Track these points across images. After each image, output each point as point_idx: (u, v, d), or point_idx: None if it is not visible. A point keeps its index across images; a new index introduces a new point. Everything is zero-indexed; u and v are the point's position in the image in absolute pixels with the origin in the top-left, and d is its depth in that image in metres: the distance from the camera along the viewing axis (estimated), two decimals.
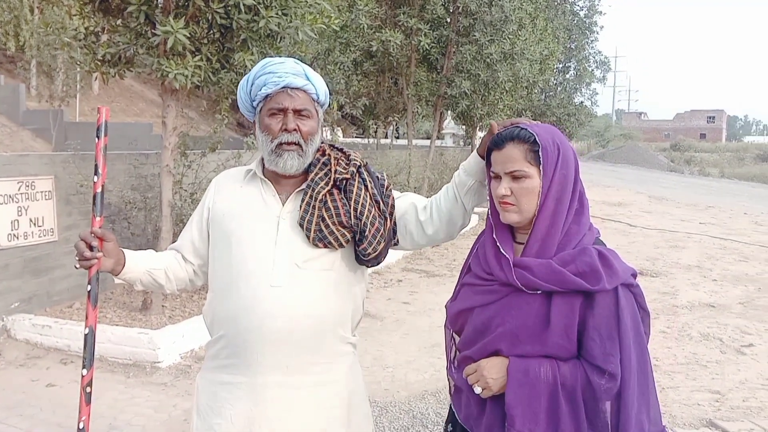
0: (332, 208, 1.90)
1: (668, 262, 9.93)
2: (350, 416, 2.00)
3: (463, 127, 18.83)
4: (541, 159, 1.65)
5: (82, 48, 5.36)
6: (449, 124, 23.31)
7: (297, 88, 1.93)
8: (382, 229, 1.93)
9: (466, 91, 9.55)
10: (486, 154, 1.77)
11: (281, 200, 1.96)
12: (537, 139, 1.65)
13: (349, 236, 1.91)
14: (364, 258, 1.94)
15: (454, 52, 9.82)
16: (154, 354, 4.97)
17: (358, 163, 2.00)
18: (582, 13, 16.67)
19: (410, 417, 4.27)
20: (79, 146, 6.62)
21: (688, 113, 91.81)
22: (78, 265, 1.83)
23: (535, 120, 1.83)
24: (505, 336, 1.65)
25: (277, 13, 5.03)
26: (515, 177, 1.67)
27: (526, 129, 1.68)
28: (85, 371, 1.87)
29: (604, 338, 1.57)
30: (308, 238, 1.89)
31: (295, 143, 1.92)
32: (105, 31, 5.48)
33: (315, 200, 1.91)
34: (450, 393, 1.92)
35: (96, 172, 1.87)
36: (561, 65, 16.37)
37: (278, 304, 1.86)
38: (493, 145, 1.72)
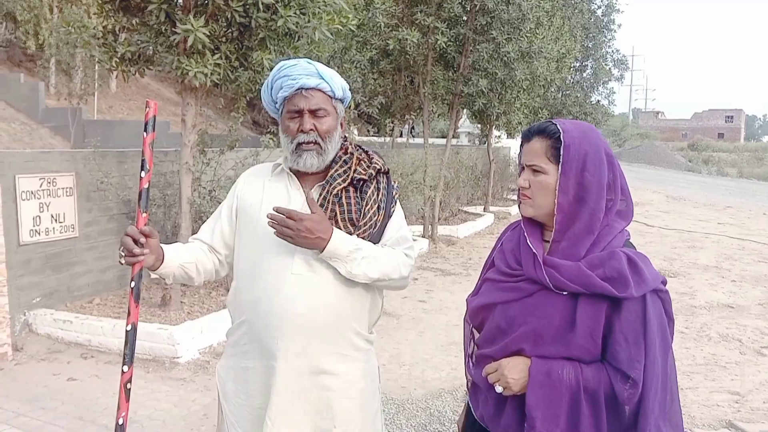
0: (345, 205, 2.00)
1: (686, 263, 9.85)
2: (361, 411, 2.04)
3: (479, 126, 18.81)
4: (561, 156, 1.63)
5: (101, 46, 5.41)
6: (464, 123, 23.24)
7: (311, 88, 1.99)
8: (370, 237, 2.01)
9: (483, 89, 9.52)
10: (520, 145, 1.80)
11: (304, 194, 2.03)
12: (561, 135, 1.64)
13: (352, 232, 1.99)
14: None
15: (471, 50, 9.78)
16: (173, 349, 5.02)
17: (379, 167, 2.09)
18: (599, 12, 16.55)
19: (427, 414, 4.28)
20: (99, 143, 6.68)
21: (706, 112, 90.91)
22: (123, 261, 1.85)
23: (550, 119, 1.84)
24: (528, 336, 1.63)
25: (295, 12, 5.05)
26: (534, 171, 1.67)
27: (555, 124, 1.67)
28: (125, 368, 1.89)
29: (631, 343, 1.55)
30: None
31: (313, 142, 2.00)
32: (124, 30, 5.53)
33: (330, 194, 2.00)
34: (467, 389, 1.93)
35: (143, 168, 1.88)
36: (578, 64, 16.26)
37: (298, 291, 1.94)
38: (524, 137, 1.73)
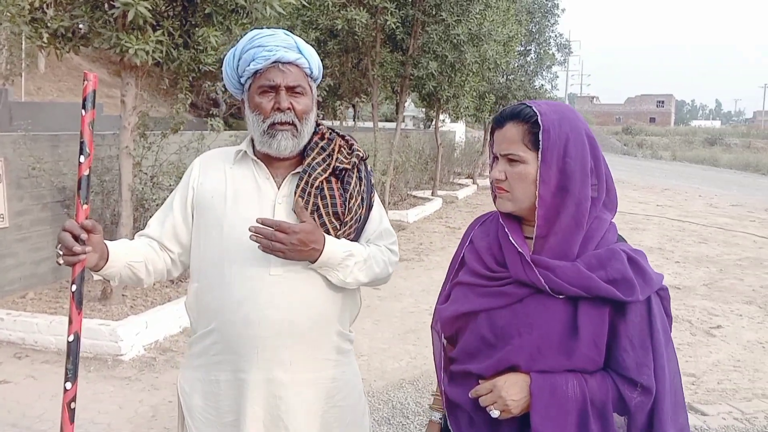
0: (328, 197, 1.79)
1: (631, 244, 10.02)
2: (349, 415, 1.88)
3: (423, 110, 18.75)
4: (540, 142, 1.45)
5: (29, 22, 4.97)
6: (409, 107, 23.18)
7: (289, 63, 1.77)
8: (355, 231, 1.83)
9: (433, 72, 9.39)
10: (490, 132, 1.60)
11: (276, 183, 1.82)
12: (539, 119, 1.45)
13: (339, 228, 1.79)
14: None
15: (420, 32, 9.63)
16: (117, 346, 4.71)
17: (361, 155, 1.88)
18: None
19: (390, 407, 4.14)
20: (29, 127, 6.22)
21: (638, 98, 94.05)
22: (62, 261, 1.58)
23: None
24: (524, 349, 1.44)
25: None
26: (510, 160, 1.49)
27: (530, 107, 1.49)
28: (69, 385, 1.61)
29: (638, 348, 1.41)
30: None
31: (289, 123, 1.77)
32: (54, 5, 5.11)
33: (311, 187, 1.78)
34: (440, 406, 1.68)
35: (82, 151, 1.58)
36: (522, 48, 16.33)
37: (278, 293, 1.73)
38: (495, 123, 1.54)
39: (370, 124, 12.85)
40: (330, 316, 1.80)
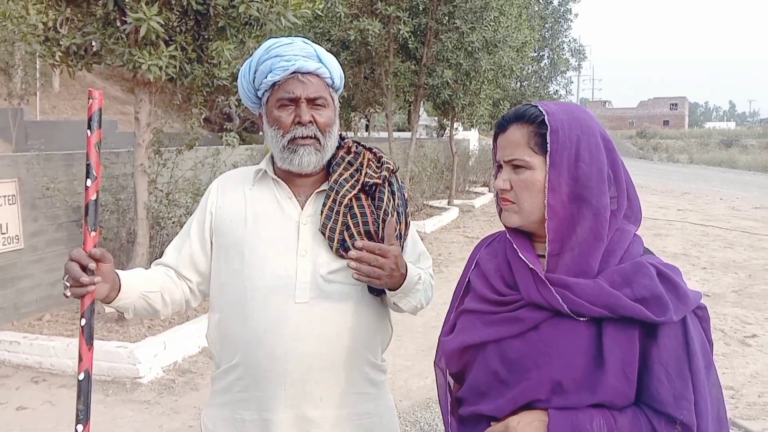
0: (359, 215, 1.65)
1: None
2: None
3: (436, 118, 18.64)
4: (548, 145, 1.28)
5: (42, 42, 4.90)
6: (422, 115, 23.10)
7: (309, 73, 1.64)
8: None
9: (448, 80, 9.28)
10: (493, 138, 1.42)
11: (299, 203, 1.68)
12: (546, 119, 1.29)
13: None
14: (375, 285, 1.64)
15: (433, 41, 9.53)
16: (135, 369, 4.59)
17: (391, 167, 1.73)
18: (556, 1, 16.52)
19: (417, 429, 3.98)
20: (43, 146, 6.17)
21: (651, 101, 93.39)
22: (69, 293, 1.45)
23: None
24: (543, 383, 1.24)
25: None
26: (515, 167, 1.31)
27: (536, 107, 1.32)
28: (80, 427, 1.47)
29: (674, 378, 1.21)
30: (331, 247, 1.62)
31: (311, 137, 1.64)
32: (66, 23, 5.05)
33: (340, 205, 1.64)
34: None
35: (89, 175, 1.45)
36: (535, 53, 16.20)
37: (305, 324, 1.59)
38: (498, 127, 1.37)
39: (383, 135, 12.75)
40: (361, 346, 1.66)
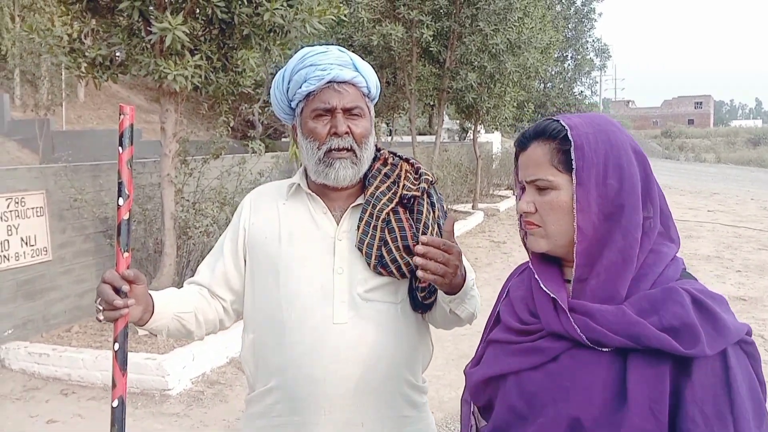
0: (397, 230, 1.57)
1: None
2: None
3: (457, 121, 18.52)
4: (573, 162, 1.17)
5: (68, 53, 4.91)
6: (444, 119, 22.98)
7: (345, 82, 1.58)
8: None
9: (473, 83, 9.18)
10: (514, 157, 1.32)
11: (335, 218, 1.62)
12: (569, 134, 1.18)
13: (412, 265, 1.53)
14: (421, 300, 1.57)
15: (457, 44, 9.44)
16: (164, 381, 4.56)
17: (430, 179, 1.66)
18: (579, 1, 16.32)
19: None
20: (70, 156, 6.19)
21: (676, 99, 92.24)
22: (102, 317, 1.39)
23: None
24: (560, 420, 1.13)
25: (282, 5, 4.63)
26: (539, 188, 1.21)
27: (557, 121, 1.22)
28: None
29: (711, 419, 1.05)
30: (368, 264, 1.55)
31: (347, 149, 1.58)
32: (92, 33, 5.06)
33: (377, 219, 1.57)
34: None
35: (120, 194, 1.39)
36: (558, 54, 16.02)
37: (344, 345, 1.52)
38: (518, 145, 1.27)
39: (406, 139, 12.67)
40: (401, 367, 1.59)
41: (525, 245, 1.30)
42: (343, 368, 1.51)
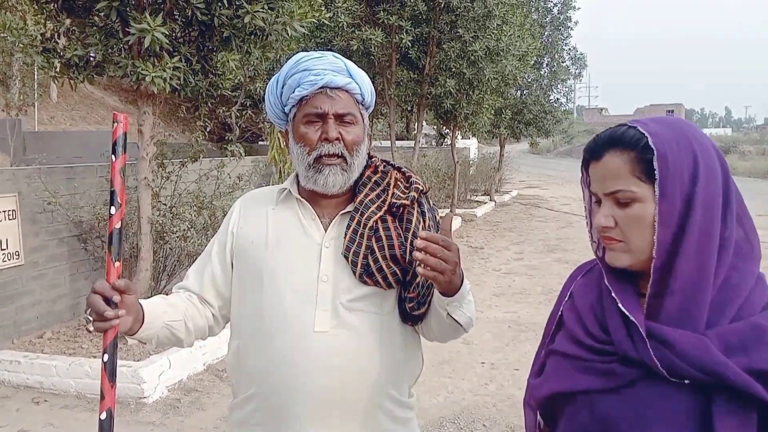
0: (384, 238, 1.54)
1: None
2: None
3: (434, 127, 18.57)
4: (657, 172, 1.08)
5: (41, 53, 4.79)
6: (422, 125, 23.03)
7: (338, 88, 1.56)
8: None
9: (451, 90, 9.20)
10: (583, 165, 1.22)
11: (323, 225, 1.59)
12: (650, 141, 1.09)
13: (399, 275, 1.53)
14: (409, 311, 1.54)
15: (436, 50, 9.46)
16: (139, 389, 4.47)
17: (420, 188, 1.63)
18: (555, 10, 16.48)
19: None
20: (43, 158, 6.05)
21: (648, 107, 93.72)
22: (92, 327, 1.38)
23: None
24: None
25: (263, 7, 4.58)
26: (619, 200, 1.12)
27: (635, 128, 1.12)
28: None
29: None
30: (353, 272, 1.52)
31: (337, 155, 1.55)
32: (67, 33, 4.95)
33: (364, 227, 1.54)
34: None
35: (113, 202, 1.37)
36: (535, 61, 16.16)
37: (324, 354, 1.49)
38: (590, 154, 1.17)
39: (384, 144, 12.66)
40: (383, 381, 1.54)
41: (599, 260, 1.22)
42: (321, 377, 1.48)
